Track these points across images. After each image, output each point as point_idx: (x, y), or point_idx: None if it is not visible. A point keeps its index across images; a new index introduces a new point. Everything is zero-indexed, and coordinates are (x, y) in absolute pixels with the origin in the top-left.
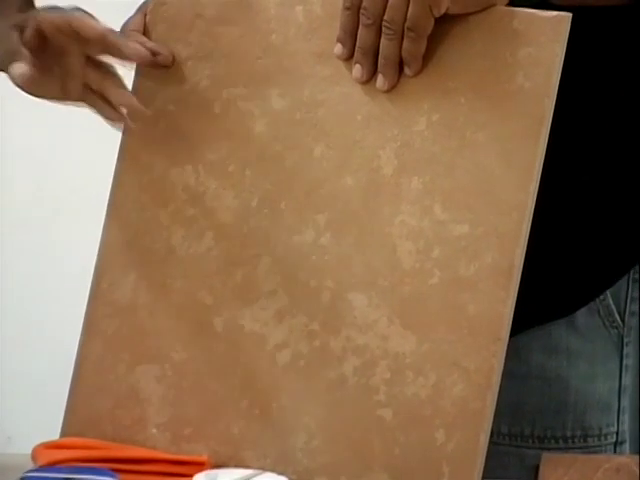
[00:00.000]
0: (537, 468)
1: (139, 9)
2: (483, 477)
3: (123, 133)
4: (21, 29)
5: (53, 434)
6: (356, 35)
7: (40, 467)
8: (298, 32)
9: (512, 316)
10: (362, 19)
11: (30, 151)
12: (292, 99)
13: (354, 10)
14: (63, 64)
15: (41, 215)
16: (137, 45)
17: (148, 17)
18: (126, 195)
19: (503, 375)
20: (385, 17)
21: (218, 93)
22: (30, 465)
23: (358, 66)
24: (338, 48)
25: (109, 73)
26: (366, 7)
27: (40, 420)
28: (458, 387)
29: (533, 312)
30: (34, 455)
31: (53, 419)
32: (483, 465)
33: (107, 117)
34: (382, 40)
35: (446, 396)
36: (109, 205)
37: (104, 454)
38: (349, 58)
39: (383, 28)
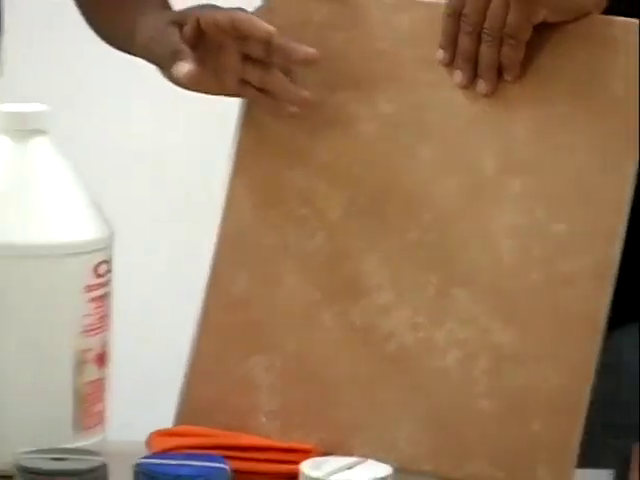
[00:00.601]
0: (629, 459)
1: None
2: (576, 467)
3: (240, 137)
4: (180, 25)
5: (166, 423)
6: (457, 42)
7: (154, 454)
8: (403, 38)
9: (608, 311)
10: (463, 26)
11: (152, 152)
12: (398, 103)
13: (456, 18)
14: (220, 60)
15: (160, 214)
16: (307, 48)
17: None
18: (241, 195)
19: (598, 368)
20: (485, 24)
21: (328, 97)
22: (145, 452)
23: (459, 71)
24: (440, 54)
25: (268, 67)
26: (467, 15)
27: (154, 409)
28: (555, 379)
29: (627, 308)
30: (149, 442)
31: (167, 408)
32: (577, 455)
33: (268, 108)
34: (482, 46)
35: (543, 387)
36: (225, 204)
37: (215, 441)
38: (451, 64)
39: (483, 35)
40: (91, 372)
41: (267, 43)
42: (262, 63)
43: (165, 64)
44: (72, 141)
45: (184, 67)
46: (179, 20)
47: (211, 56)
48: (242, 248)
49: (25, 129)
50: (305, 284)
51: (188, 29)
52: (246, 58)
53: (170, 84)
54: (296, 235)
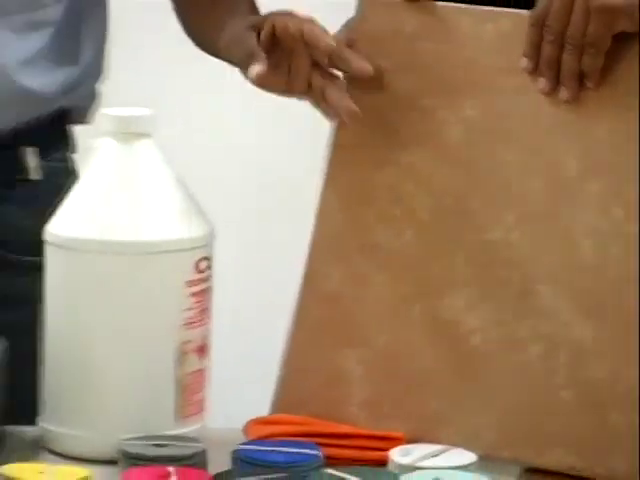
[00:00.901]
0: None
1: (345, 25)
2: None
3: (333, 139)
4: (258, 30)
5: (263, 411)
6: (541, 50)
7: (251, 441)
8: (489, 47)
9: None
10: (546, 36)
11: (252, 151)
12: (483, 108)
13: (539, 27)
14: (291, 64)
15: (261, 211)
16: (363, 62)
17: (353, 32)
18: (335, 195)
19: None
20: (567, 34)
21: (417, 102)
22: (242, 439)
23: (543, 78)
24: (524, 61)
25: (332, 76)
26: (549, 24)
27: (252, 398)
28: (632, 372)
29: None
30: (246, 430)
31: (263, 398)
32: None
33: (325, 113)
34: (564, 55)
35: (621, 380)
36: (319, 203)
37: (309, 429)
38: (535, 71)
39: (565, 44)
40: (192, 363)
41: (330, 54)
42: (327, 71)
43: (242, 65)
44: (172, 143)
45: (255, 68)
46: (257, 25)
47: (285, 59)
48: (335, 246)
49: (131, 132)
50: (394, 281)
51: (264, 34)
52: (315, 64)
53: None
54: (385, 234)
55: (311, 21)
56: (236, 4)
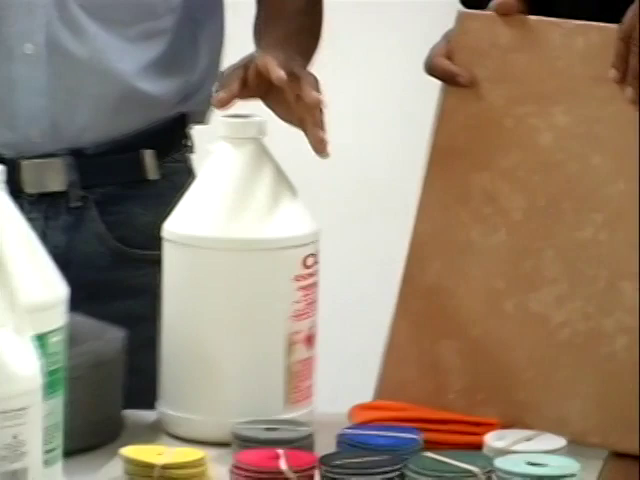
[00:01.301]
0: None
1: (443, 37)
2: None
3: (432, 143)
4: (246, 68)
5: (366, 397)
6: (628, 61)
7: (355, 425)
8: (579, 58)
9: None
10: (633, 48)
11: (355, 154)
12: (574, 115)
13: (626, 40)
14: (284, 99)
15: (360, 210)
16: (310, 91)
17: (452, 44)
18: (433, 195)
19: None
20: None
21: (510, 110)
22: (347, 423)
23: (630, 88)
24: (613, 72)
25: (308, 110)
26: (636, 37)
27: (356, 385)
28: None
29: None
30: (350, 415)
31: (367, 384)
32: None
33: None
34: None
35: None
36: (419, 203)
37: (410, 415)
38: (622, 81)
39: None
40: (300, 352)
41: (289, 87)
42: (304, 103)
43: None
44: (281, 146)
45: (219, 94)
46: (247, 63)
47: (281, 96)
48: (433, 244)
49: (243, 137)
50: (488, 276)
51: (251, 72)
52: (299, 98)
53: (366, 90)
54: (480, 233)
55: (263, 56)
56: (280, 31)
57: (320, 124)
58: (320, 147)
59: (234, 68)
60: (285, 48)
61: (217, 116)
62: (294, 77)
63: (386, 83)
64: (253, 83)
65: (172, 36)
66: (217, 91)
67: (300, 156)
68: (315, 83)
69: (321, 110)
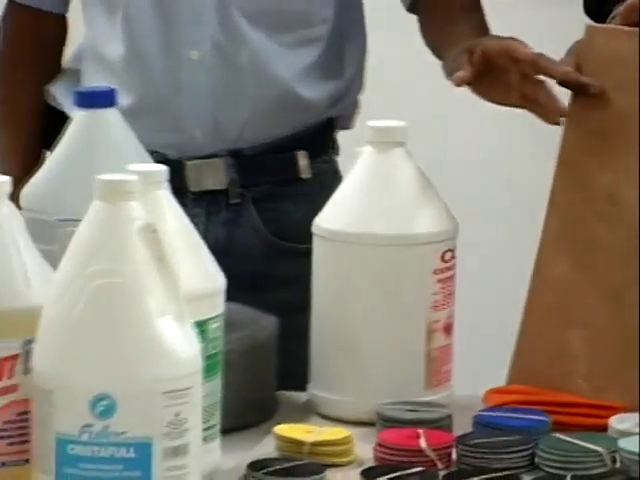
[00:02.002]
0: None
1: (568, 52)
2: None
3: (561, 145)
4: (470, 52)
5: (499, 382)
6: None
7: (490, 407)
8: None
9: None
10: None
11: (492, 154)
12: None
13: None
14: (505, 80)
15: (502, 207)
16: (565, 67)
17: (580, 57)
18: (561, 194)
19: None
20: None
21: (632, 117)
22: (482, 406)
23: None
24: None
25: (540, 83)
26: None
27: (490, 372)
28: None
29: None
30: (485, 398)
31: (500, 371)
32: None
33: (540, 116)
34: None
35: None
36: (549, 201)
37: (540, 398)
38: None
39: None
40: (439, 340)
41: (534, 64)
42: (535, 80)
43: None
44: (422, 150)
45: (459, 73)
46: (471, 48)
47: (498, 77)
48: (561, 239)
49: (388, 141)
50: (612, 269)
51: (476, 56)
52: (524, 77)
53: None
54: (603, 229)
55: (512, 39)
56: (465, 29)
57: (553, 96)
58: (554, 118)
59: (458, 54)
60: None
61: (364, 122)
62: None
63: None
64: (477, 67)
65: (324, 45)
66: (450, 73)
67: (442, 158)
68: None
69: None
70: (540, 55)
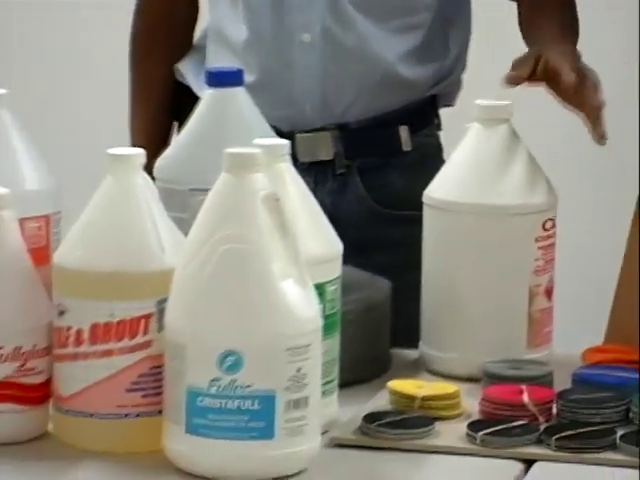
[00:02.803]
0: None
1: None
2: None
3: None
4: (536, 60)
5: (597, 341)
6: None
7: (587, 365)
8: None
9: None
10: None
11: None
12: None
13: None
14: (562, 87)
15: (596, 178)
16: (595, 104)
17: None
18: None
19: None
20: None
21: None
22: (580, 363)
23: None
24: None
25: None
26: None
27: (588, 332)
28: None
29: None
30: (583, 356)
31: (597, 330)
32: None
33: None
34: None
35: None
36: None
37: (634, 357)
38: None
39: None
40: (541, 302)
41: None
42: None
43: None
44: (525, 126)
45: (509, 74)
46: (537, 55)
47: (559, 82)
48: None
49: (495, 118)
50: None
51: (540, 65)
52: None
53: None
54: None
55: (554, 54)
56: (550, 27)
57: (601, 121)
58: (601, 141)
59: (526, 57)
60: (565, 41)
61: (472, 100)
62: (580, 75)
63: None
64: (540, 73)
65: (426, 30)
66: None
67: (543, 134)
68: (597, 84)
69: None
70: (578, 88)
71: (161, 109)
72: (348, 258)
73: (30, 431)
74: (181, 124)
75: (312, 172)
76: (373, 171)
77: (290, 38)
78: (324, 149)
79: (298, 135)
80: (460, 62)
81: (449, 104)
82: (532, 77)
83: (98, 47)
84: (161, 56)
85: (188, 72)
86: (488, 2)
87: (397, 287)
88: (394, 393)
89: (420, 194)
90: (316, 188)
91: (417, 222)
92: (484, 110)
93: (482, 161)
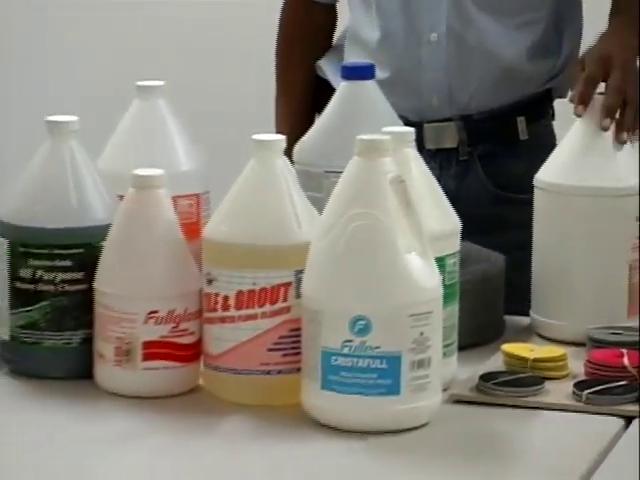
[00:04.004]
0: None
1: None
2: None
3: None
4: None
5: None
6: None
7: None
8: None
9: None
10: None
11: None
12: None
13: None
14: None
15: None
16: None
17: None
18: None
19: None
20: None
21: None
22: None
23: None
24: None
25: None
26: None
27: None
28: None
29: None
30: None
31: None
32: None
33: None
34: None
35: None
36: None
37: None
38: None
39: None
40: (637, 276)
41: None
42: None
43: None
44: None
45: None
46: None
47: None
48: None
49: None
50: None
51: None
52: None
53: None
54: None
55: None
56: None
57: (627, 125)
58: (619, 147)
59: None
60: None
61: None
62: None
63: None
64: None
65: (543, 26)
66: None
67: None
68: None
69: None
70: (606, 100)
71: (302, 102)
72: (467, 236)
73: (183, 385)
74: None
75: (437, 158)
76: (493, 158)
77: (419, 38)
78: (449, 137)
79: (426, 125)
80: (574, 57)
81: (563, 96)
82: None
83: (260, 44)
84: (301, 58)
85: (328, 68)
86: None
87: (512, 261)
88: (508, 355)
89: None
90: (441, 173)
91: (531, 204)
92: (594, 100)
93: (588, 147)
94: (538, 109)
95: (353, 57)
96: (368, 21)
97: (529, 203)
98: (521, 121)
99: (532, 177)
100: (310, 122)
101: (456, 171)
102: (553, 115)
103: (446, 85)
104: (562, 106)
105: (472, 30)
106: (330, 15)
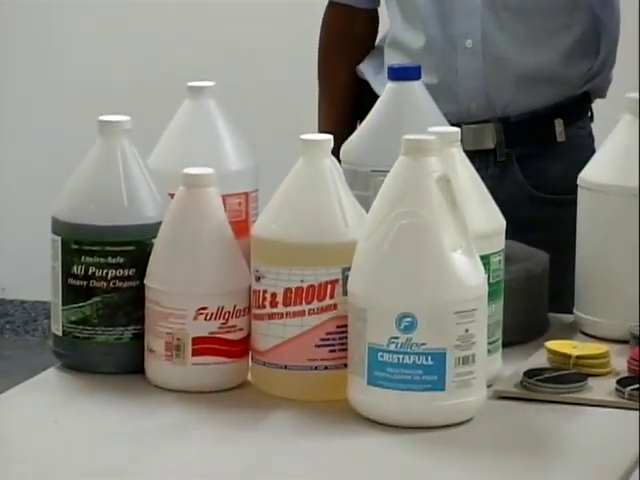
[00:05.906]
0: None
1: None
2: None
3: None
4: None
5: None
6: None
7: None
8: None
9: None
10: None
11: None
12: None
13: None
14: None
15: None
16: None
17: None
18: None
19: None
20: None
21: None
22: None
23: None
24: None
25: None
26: None
27: None
28: None
29: None
30: None
31: None
32: None
33: None
34: None
35: None
36: None
37: None
38: None
39: None
40: None
41: None
42: None
43: None
44: None
45: None
46: None
47: None
48: None
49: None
50: None
51: None
52: None
53: None
54: None
55: None
56: None
57: None
58: None
59: None
60: None
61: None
62: None
63: None
64: None
65: (580, 29)
66: None
67: None
68: None
69: None
70: None
71: (344, 105)
72: (508, 235)
73: (232, 381)
74: (361, 116)
75: (476, 159)
76: (530, 159)
77: (454, 45)
78: (487, 139)
79: (464, 126)
80: (610, 60)
81: (601, 97)
82: None
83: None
84: (343, 62)
85: (368, 72)
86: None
87: (555, 260)
88: (551, 352)
89: (572, 180)
90: (479, 174)
91: (568, 205)
92: (634, 102)
93: (630, 149)
94: (576, 111)
95: (392, 61)
96: (406, 28)
97: (566, 204)
98: (559, 123)
99: (569, 178)
100: (351, 123)
101: (494, 172)
102: (592, 117)
103: (484, 92)
104: (601, 107)
105: (507, 35)
106: (371, 19)
